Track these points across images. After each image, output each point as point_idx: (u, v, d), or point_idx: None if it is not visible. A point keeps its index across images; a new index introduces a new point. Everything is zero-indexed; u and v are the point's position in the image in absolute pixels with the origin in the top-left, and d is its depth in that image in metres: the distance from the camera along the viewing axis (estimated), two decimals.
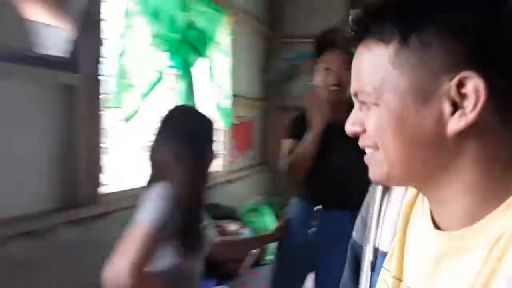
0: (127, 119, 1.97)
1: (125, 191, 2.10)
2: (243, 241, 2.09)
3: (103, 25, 1.83)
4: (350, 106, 0.58)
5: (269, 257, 2.78)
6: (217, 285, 2.28)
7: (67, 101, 1.75)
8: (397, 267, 0.60)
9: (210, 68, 2.70)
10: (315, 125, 1.78)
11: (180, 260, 1.33)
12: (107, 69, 1.88)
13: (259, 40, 3.88)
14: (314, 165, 1.79)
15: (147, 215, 1.21)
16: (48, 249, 1.71)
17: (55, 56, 1.64)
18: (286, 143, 1.89)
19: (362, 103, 0.53)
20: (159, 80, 2.16)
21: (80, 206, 1.84)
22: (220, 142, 3.15)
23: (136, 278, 1.12)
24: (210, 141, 1.44)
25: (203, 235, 1.46)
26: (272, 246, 2.25)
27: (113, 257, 1.18)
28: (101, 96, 1.85)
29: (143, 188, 1.41)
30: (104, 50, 1.85)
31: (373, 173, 0.55)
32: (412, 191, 0.63)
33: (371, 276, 0.73)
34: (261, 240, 2.06)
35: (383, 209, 0.73)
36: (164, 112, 1.46)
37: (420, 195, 0.60)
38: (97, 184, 1.90)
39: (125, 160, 2.14)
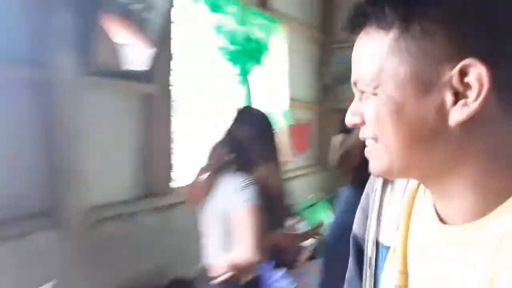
0: (197, 122, 2.27)
1: None
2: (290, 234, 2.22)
3: (173, 41, 2.15)
4: None
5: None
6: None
7: (145, 107, 2.09)
8: (402, 261, 0.58)
9: (267, 74, 2.95)
10: None
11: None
12: (177, 79, 2.20)
13: (313, 46, 4.07)
14: (363, 154, 1.94)
15: (247, 201, 1.39)
16: (131, 231, 2.04)
17: (136, 70, 1.98)
18: (337, 138, 2.06)
19: (362, 92, 0.51)
20: (223, 87, 2.44)
21: (156, 196, 2.16)
22: (279, 142, 3.37)
23: (261, 256, 1.33)
24: (274, 136, 1.65)
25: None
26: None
27: (235, 243, 1.39)
28: (172, 102, 2.17)
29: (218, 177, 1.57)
30: (174, 62, 2.16)
31: (373, 166, 0.53)
32: (414, 182, 0.61)
33: (375, 272, 0.69)
34: (303, 236, 2.17)
35: (384, 201, 0.69)
36: (233, 113, 1.66)
37: (422, 186, 0.57)
38: (169, 177, 2.22)
39: (192, 157, 2.44)
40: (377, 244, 0.69)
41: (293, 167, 3.66)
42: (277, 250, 2.12)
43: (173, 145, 2.21)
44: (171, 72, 2.13)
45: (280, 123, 3.14)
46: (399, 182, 0.67)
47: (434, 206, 0.53)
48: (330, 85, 4.23)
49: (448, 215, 0.51)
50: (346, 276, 0.82)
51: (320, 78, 4.19)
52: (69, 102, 1.67)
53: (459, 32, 0.43)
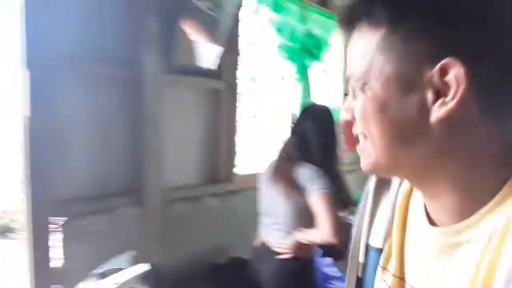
0: (258, 115, 2.46)
1: (253, 174, 2.59)
2: None
3: (240, 40, 2.33)
4: None
5: None
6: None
7: (213, 101, 2.30)
8: (397, 265, 0.58)
9: (325, 70, 3.07)
10: None
11: None
12: (243, 75, 2.38)
13: None
14: None
15: (319, 189, 1.57)
16: (198, 212, 2.27)
17: (206, 68, 2.18)
18: None
19: (353, 89, 0.52)
20: (283, 82, 2.60)
21: (220, 182, 2.38)
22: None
23: (340, 234, 1.53)
24: (336, 131, 1.78)
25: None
26: None
27: (316, 224, 1.57)
28: (237, 97, 2.36)
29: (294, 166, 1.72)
30: (240, 59, 2.35)
31: (362, 162, 0.54)
32: (407, 184, 0.60)
33: (364, 275, 0.66)
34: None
35: (379, 204, 0.66)
36: (297, 109, 1.82)
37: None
38: (233, 165, 2.43)
39: (254, 148, 2.63)
40: (366, 247, 0.66)
41: (344, 162, 3.75)
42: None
43: (237, 136, 2.41)
44: (238, 68, 2.33)
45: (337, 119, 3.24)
46: (393, 184, 0.65)
47: (425, 208, 0.54)
48: None
49: (437, 216, 0.52)
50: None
51: None
52: (152, 96, 1.91)
53: (441, 34, 0.44)
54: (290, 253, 1.69)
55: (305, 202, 1.63)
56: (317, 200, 1.57)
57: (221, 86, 2.29)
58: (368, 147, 0.51)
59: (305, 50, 2.79)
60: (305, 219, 1.66)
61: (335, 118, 1.76)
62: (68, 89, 1.69)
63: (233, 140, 2.40)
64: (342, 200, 1.76)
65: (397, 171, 0.53)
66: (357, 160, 0.55)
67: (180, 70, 2.03)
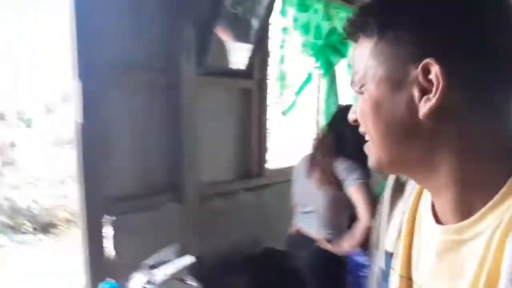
0: (285, 113, 2.55)
1: (283, 168, 2.70)
2: None
3: (270, 41, 2.42)
4: None
5: None
6: None
7: (245, 100, 2.40)
8: (404, 265, 0.60)
9: (349, 65, 3.12)
10: None
11: None
12: (272, 74, 2.48)
13: None
14: None
15: (356, 180, 1.73)
16: (232, 206, 2.39)
17: (238, 68, 2.28)
18: None
19: (355, 92, 0.57)
20: (308, 80, 2.68)
21: (252, 177, 2.49)
22: None
23: (371, 221, 1.65)
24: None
25: None
26: None
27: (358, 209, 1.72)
28: (267, 95, 2.46)
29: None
30: (270, 59, 2.44)
31: (369, 160, 0.58)
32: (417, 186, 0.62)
33: (384, 279, 0.66)
34: None
35: (394, 209, 0.68)
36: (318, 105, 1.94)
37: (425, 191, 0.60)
38: (264, 161, 2.53)
39: (284, 143, 2.73)
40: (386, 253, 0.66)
41: None
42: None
43: (268, 133, 2.51)
44: (268, 68, 2.42)
45: None
46: (407, 189, 0.66)
47: (433, 207, 0.56)
48: None
49: (443, 214, 0.54)
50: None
51: None
52: (189, 97, 2.02)
53: (421, 39, 0.48)
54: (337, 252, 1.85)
55: (339, 193, 1.79)
56: (356, 190, 1.73)
57: (252, 85, 2.38)
58: (370, 145, 0.56)
59: (330, 47, 2.85)
60: (339, 208, 1.84)
61: None
62: (113, 96, 1.81)
63: (264, 136, 2.50)
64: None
65: (399, 167, 0.56)
66: None
67: (214, 72, 2.14)
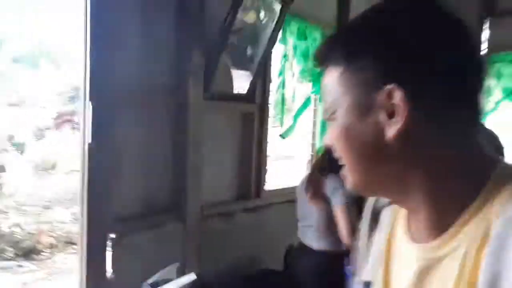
0: (284, 135, 2.64)
1: (280, 189, 2.76)
2: None
3: (271, 68, 2.52)
4: None
5: None
6: None
7: (246, 123, 2.48)
8: (383, 285, 0.61)
9: None
10: None
11: None
12: (272, 98, 2.57)
13: None
14: None
15: (340, 200, 1.91)
16: (231, 226, 2.44)
17: (241, 93, 2.37)
18: None
19: (326, 119, 0.59)
20: (307, 104, 2.77)
21: (251, 198, 2.55)
22: None
23: (351, 240, 1.84)
24: None
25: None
26: None
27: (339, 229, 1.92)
28: (268, 119, 2.54)
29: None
30: (271, 85, 2.54)
31: (346, 184, 0.59)
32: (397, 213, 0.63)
33: None
34: None
35: (371, 236, 0.68)
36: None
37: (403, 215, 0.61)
38: (263, 183, 2.60)
39: (282, 165, 2.81)
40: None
41: None
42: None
43: (267, 155, 2.59)
44: (269, 93, 2.51)
45: None
46: (384, 216, 0.67)
47: (409, 227, 0.58)
48: None
49: (418, 232, 0.56)
50: None
51: None
52: (195, 121, 2.10)
53: (384, 66, 0.51)
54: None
55: (330, 209, 1.99)
56: (338, 211, 1.93)
57: (253, 109, 2.47)
58: (346, 169, 0.57)
59: None
60: (333, 223, 2.01)
61: None
62: (121, 117, 1.88)
63: (265, 158, 2.57)
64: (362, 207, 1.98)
65: (374, 189, 0.58)
66: None
67: (218, 97, 2.22)
